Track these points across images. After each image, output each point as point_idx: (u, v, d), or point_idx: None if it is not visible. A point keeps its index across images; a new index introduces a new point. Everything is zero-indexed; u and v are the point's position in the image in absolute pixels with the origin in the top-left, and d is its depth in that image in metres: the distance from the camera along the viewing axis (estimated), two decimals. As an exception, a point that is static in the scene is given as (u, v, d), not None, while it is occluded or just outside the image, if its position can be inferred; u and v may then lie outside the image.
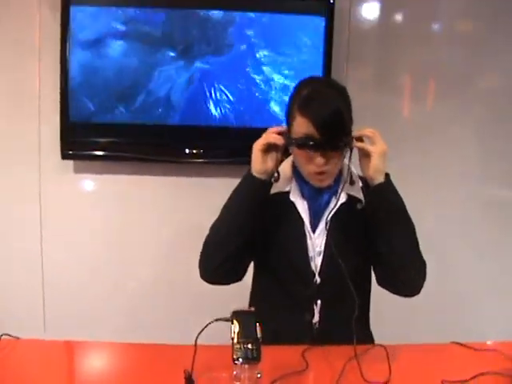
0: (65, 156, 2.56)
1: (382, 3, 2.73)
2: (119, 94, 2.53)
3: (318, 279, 1.60)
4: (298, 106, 1.51)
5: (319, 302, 1.60)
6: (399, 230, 1.56)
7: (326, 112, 1.48)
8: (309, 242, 1.61)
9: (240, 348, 1.16)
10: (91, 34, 2.48)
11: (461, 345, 1.58)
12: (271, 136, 1.54)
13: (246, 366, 1.16)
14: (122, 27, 2.49)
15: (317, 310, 1.60)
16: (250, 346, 1.17)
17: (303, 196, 1.62)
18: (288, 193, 1.63)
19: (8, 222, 2.67)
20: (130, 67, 2.51)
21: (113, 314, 2.70)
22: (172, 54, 2.51)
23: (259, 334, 1.19)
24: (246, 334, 1.18)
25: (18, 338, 1.53)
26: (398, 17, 2.75)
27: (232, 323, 1.20)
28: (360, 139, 1.54)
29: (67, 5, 2.45)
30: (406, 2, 2.74)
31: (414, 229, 1.59)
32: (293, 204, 1.62)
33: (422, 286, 1.60)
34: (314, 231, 1.61)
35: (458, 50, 2.75)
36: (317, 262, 1.60)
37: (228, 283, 1.62)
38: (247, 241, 1.57)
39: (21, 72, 2.59)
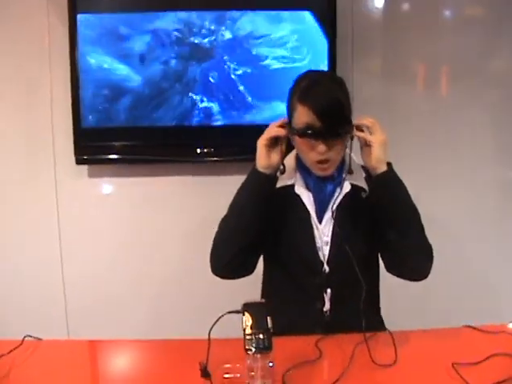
0: (79, 161, 2.61)
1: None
2: (130, 98, 2.57)
3: (326, 268, 1.62)
4: (298, 96, 1.54)
5: (329, 290, 1.63)
6: (404, 217, 1.58)
7: (326, 99, 1.51)
8: (316, 232, 1.64)
9: (252, 338, 1.20)
10: (99, 39, 2.53)
11: (473, 328, 1.60)
12: (273, 129, 1.58)
13: (259, 355, 1.19)
14: (129, 31, 2.53)
15: (327, 298, 1.63)
16: (261, 336, 1.20)
17: (308, 188, 1.65)
18: (293, 186, 1.65)
19: (27, 228, 2.73)
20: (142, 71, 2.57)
21: (131, 312, 2.75)
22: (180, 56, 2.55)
23: (270, 325, 1.22)
24: (257, 325, 1.21)
25: (40, 339, 1.58)
26: (404, 5, 2.74)
27: (243, 315, 1.24)
28: (360, 129, 1.56)
29: (74, 12, 2.49)
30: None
31: (419, 215, 1.61)
32: (298, 196, 1.65)
33: (430, 270, 1.63)
34: (320, 222, 1.64)
35: (468, 36, 2.73)
36: (324, 252, 1.63)
37: (238, 277, 1.66)
38: (255, 236, 1.60)
39: (32, 80, 2.64)
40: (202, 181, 2.72)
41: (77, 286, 2.77)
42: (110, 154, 2.61)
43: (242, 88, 2.58)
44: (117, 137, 2.61)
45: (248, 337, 1.20)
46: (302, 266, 1.65)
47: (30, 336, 1.57)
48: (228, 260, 1.61)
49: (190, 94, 2.57)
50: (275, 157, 1.58)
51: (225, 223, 1.64)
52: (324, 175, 1.61)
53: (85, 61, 2.53)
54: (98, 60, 2.53)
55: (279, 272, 1.71)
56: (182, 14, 2.52)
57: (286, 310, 1.61)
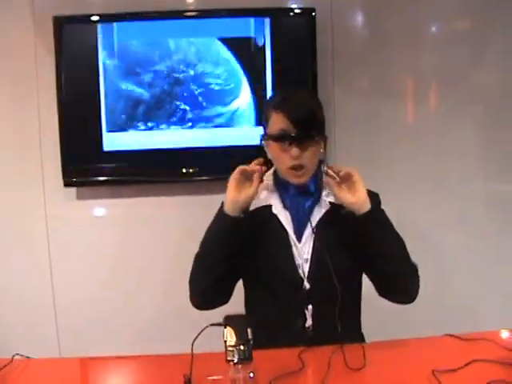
0: (67, 183, 2.65)
1: (364, 10, 2.79)
2: (115, 121, 2.63)
3: (307, 285, 1.64)
4: (273, 105, 1.62)
5: (310, 306, 1.64)
6: (390, 249, 1.63)
7: (299, 106, 1.61)
8: (294, 251, 1.67)
9: (233, 350, 1.23)
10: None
11: (454, 336, 1.62)
12: (246, 167, 1.63)
13: (240, 366, 1.22)
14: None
15: (308, 314, 1.64)
16: (242, 347, 1.23)
17: (285, 207, 1.69)
18: (270, 206, 1.69)
19: (17, 248, 2.77)
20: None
21: (121, 329, 2.77)
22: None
23: (250, 336, 1.25)
24: (238, 337, 1.24)
25: (29, 358, 1.59)
26: (385, 19, 2.79)
27: (225, 327, 1.27)
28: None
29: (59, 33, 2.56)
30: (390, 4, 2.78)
31: (404, 243, 1.66)
32: (275, 216, 1.68)
33: (418, 291, 1.68)
34: (299, 240, 1.67)
35: (451, 50, 2.78)
36: (304, 269, 1.65)
37: (215, 307, 1.68)
38: (228, 267, 1.64)
39: (20, 101, 2.69)
40: (190, 200, 2.76)
41: (67, 306, 2.79)
42: (96, 177, 2.66)
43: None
44: (104, 160, 2.66)
45: (230, 348, 1.23)
46: (282, 285, 1.66)
47: (20, 354, 1.58)
48: (205, 289, 1.65)
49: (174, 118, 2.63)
50: (247, 191, 1.61)
51: (198, 258, 1.67)
52: (299, 183, 1.64)
53: (67, 84, 2.59)
54: (81, 82, 2.61)
55: (260, 292, 1.72)
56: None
57: (268, 328, 1.63)
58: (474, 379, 1.36)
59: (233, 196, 1.60)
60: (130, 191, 2.73)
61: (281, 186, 1.70)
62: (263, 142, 1.66)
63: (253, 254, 1.67)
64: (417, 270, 1.68)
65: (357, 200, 1.60)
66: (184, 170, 2.65)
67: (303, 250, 1.66)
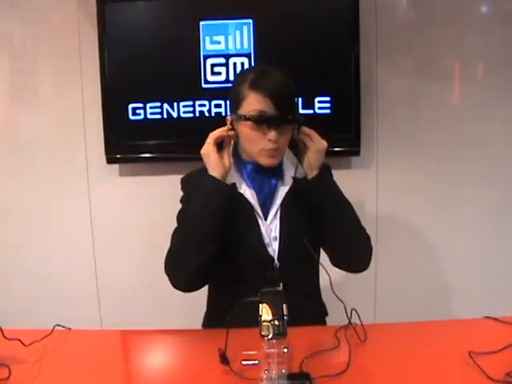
0: (110, 160, 2.69)
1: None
2: (159, 94, 2.65)
3: (277, 263, 1.64)
4: (249, 84, 1.55)
5: (281, 284, 1.59)
6: (339, 215, 1.64)
7: (279, 86, 1.55)
8: (262, 228, 1.65)
9: (267, 325, 1.23)
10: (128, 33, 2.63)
11: (493, 319, 1.60)
12: (219, 133, 1.61)
13: (274, 341, 1.23)
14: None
15: None
16: (276, 322, 1.23)
17: (249, 186, 1.66)
18: (234, 184, 1.65)
19: (60, 224, 2.84)
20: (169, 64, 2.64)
21: (162, 304, 2.80)
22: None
23: (285, 312, 1.25)
24: (273, 312, 1.25)
25: (69, 329, 1.65)
26: (429, 1, 2.72)
27: (260, 302, 1.27)
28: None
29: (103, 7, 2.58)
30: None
31: (353, 209, 1.66)
32: (241, 195, 1.65)
33: (369, 261, 1.68)
34: (265, 218, 1.66)
35: (499, 30, 2.70)
36: (274, 247, 1.65)
37: (200, 288, 1.66)
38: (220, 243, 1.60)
39: (64, 84, 2.74)
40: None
41: (109, 281, 2.87)
42: (139, 153, 2.69)
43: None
44: (146, 135, 2.68)
45: (264, 323, 1.24)
46: (251, 264, 1.65)
47: (60, 325, 1.64)
48: (196, 271, 1.59)
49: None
50: (227, 161, 1.60)
51: (189, 233, 1.61)
52: (271, 165, 1.60)
53: (113, 59, 2.62)
54: (127, 57, 2.64)
55: (227, 272, 1.68)
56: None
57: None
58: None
59: (220, 163, 1.58)
60: (172, 168, 2.73)
61: (241, 164, 1.67)
62: (234, 122, 1.61)
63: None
64: (369, 241, 1.68)
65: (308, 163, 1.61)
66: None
67: (270, 228, 1.65)
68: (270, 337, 1.22)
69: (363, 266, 1.69)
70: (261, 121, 1.53)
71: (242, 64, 2.59)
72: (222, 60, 2.60)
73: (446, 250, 2.78)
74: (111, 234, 2.83)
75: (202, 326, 1.85)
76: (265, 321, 1.24)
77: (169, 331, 1.70)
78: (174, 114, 2.64)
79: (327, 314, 1.71)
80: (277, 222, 1.65)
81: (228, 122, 1.63)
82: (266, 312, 1.26)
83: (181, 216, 1.70)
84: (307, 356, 1.38)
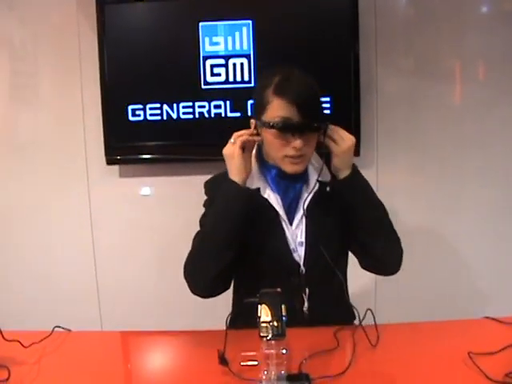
0: (109, 162, 2.70)
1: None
2: (159, 95, 2.65)
3: (303, 269, 1.61)
4: (274, 90, 1.50)
5: (307, 289, 1.61)
6: (371, 218, 1.60)
7: (305, 92, 1.50)
8: (288, 234, 1.62)
9: (266, 326, 1.23)
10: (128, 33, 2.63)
11: (493, 319, 1.60)
12: (245, 136, 1.56)
13: (273, 342, 1.23)
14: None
15: (306, 297, 1.61)
16: (275, 323, 1.23)
17: (273, 190, 1.63)
18: (258, 189, 1.62)
19: (60, 225, 2.85)
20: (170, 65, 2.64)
21: (160, 305, 2.83)
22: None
23: (284, 313, 1.25)
24: (271, 313, 1.25)
25: (69, 330, 1.64)
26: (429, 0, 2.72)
27: (259, 303, 1.27)
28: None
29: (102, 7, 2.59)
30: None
31: (386, 212, 1.63)
32: (266, 200, 1.62)
33: (400, 263, 1.64)
34: (290, 223, 1.63)
35: (499, 30, 2.69)
36: (300, 253, 1.62)
37: (219, 294, 1.62)
38: (239, 248, 1.57)
39: (64, 85, 2.76)
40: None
41: (109, 282, 2.87)
42: (139, 154, 2.69)
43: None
44: (146, 137, 2.69)
45: (263, 324, 1.24)
46: (277, 270, 1.61)
47: (60, 327, 1.63)
48: (215, 277, 1.56)
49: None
50: (249, 165, 1.58)
51: (210, 239, 1.58)
52: (295, 172, 1.57)
53: (112, 61, 2.63)
54: (126, 58, 2.65)
55: (253, 274, 1.64)
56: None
57: None
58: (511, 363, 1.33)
59: (243, 167, 1.55)
60: (171, 169, 2.75)
61: (266, 168, 1.64)
62: (258, 126, 1.56)
63: (247, 236, 1.59)
64: (399, 243, 1.64)
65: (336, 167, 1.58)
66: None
67: (295, 234, 1.62)
68: (268, 338, 1.23)
69: (394, 268, 1.65)
70: (285, 128, 1.49)
71: (242, 65, 2.60)
72: (221, 61, 2.60)
73: (446, 250, 2.78)
74: (111, 234, 2.84)
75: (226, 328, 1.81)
76: (264, 322, 1.24)
77: (168, 332, 1.71)
78: (174, 115, 2.65)
79: (355, 318, 1.63)
80: (302, 227, 1.62)
81: (252, 126, 1.59)
82: (264, 313, 1.26)
83: (203, 220, 1.68)
84: (307, 357, 1.37)
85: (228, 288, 1.65)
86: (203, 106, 2.64)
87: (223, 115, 2.65)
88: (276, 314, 1.25)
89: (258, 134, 1.57)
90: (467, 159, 2.76)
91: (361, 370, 1.36)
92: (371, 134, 2.69)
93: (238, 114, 2.65)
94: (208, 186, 1.72)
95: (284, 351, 1.23)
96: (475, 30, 2.71)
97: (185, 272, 1.62)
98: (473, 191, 2.78)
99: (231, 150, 1.55)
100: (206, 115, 2.65)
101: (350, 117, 2.59)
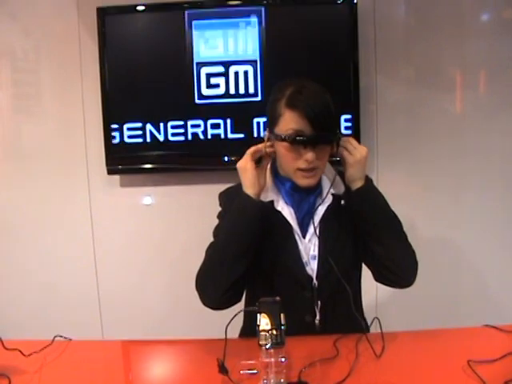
0: (110, 171, 2.71)
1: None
2: (159, 110, 2.65)
3: (316, 283, 1.60)
4: (286, 102, 1.50)
5: (319, 302, 1.60)
6: (385, 230, 1.58)
7: (317, 104, 1.48)
8: (300, 247, 1.61)
9: (265, 334, 1.24)
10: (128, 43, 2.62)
11: (493, 327, 1.60)
12: (258, 149, 1.57)
13: (272, 350, 1.23)
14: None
15: (317, 310, 1.60)
16: (274, 332, 1.24)
17: (287, 203, 1.63)
18: (272, 202, 1.62)
19: (61, 234, 2.85)
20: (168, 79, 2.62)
21: (163, 316, 2.83)
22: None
23: (283, 321, 1.26)
24: (271, 322, 1.25)
25: (70, 339, 1.65)
26: (426, 8, 2.71)
27: (258, 312, 1.28)
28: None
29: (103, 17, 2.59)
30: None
31: (400, 224, 1.62)
32: (279, 213, 1.61)
33: (415, 276, 1.63)
34: (303, 236, 1.62)
35: (499, 38, 2.70)
36: (313, 267, 1.60)
37: (230, 306, 1.59)
38: (251, 262, 1.56)
39: (65, 95, 2.77)
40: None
41: (111, 293, 2.87)
42: (139, 164, 2.69)
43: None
44: (147, 148, 2.68)
45: (262, 333, 1.24)
46: (290, 283, 1.61)
47: (61, 336, 1.64)
48: (226, 290, 1.54)
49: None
50: (262, 179, 1.58)
51: (221, 252, 1.57)
52: (308, 185, 1.56)
53: (113, 72, 2.64)
54: (126, 69, 2.65)
55: (264, 287, 1.64)
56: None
57: None
58: (511, 371, 1.33)
59: (257, 181, 1.55)
60: (172, 179, 2.76)
61: (280, 181, 1.64)
62: (270, 138, 1.57)
63: (259, 250, 1.58)
64: (415, 256, 1.63)
65: (349, 178, 1.57)
66: (226, 159, 2.65)
67: (308, 247, 1.62)
68: (267, 346, 1.23)
69: (408, 280, 1.62)
70: (297, 141, 1.48)
71: (246, 73, 2.54)
72: (220, 69, 2.58)
73: (446, 259, 2.78)
74: (112, 243, 2.84)
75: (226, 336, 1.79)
76: (263, 330, 1.25)
77: (168, 341, 1.71)
78: (161, 138, 2.61)
79: (368, 331, 1.64)
80: (315, 241, 1.60)
81: (265, 139, 1.59)
82: (264, 322, 1.26)
83: (216, 232, 1.67)
84: (306, 365, 1.38)
85: (239, 301, 1.63)
86: (197, 126, 2.59)
87: (222, 137, 2.58)
88: (275, 323, 1.25)
89: (271, 146, 1.57)
90: (467, 168, 2.76)
91: (360, 379, 1.36)
92: (371, 142, 2.69)
93: (240, 135, 2.58)
94: (222, 198, 1.72)
95: (283, 359, 1.23)
96: (475, 39, 2.71)
97: (196, 283, 1.61)
98: (473, 199, 2.78)
99: (244, 163, 1.56)
100: (201, 136, 2.59)
101: (349, 126, 2.60)
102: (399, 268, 1.60)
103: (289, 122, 1.50)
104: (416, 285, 1.64)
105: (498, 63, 2.71)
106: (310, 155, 1.49)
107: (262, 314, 1.28)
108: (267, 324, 1.25)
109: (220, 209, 1.72)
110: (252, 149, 1.57)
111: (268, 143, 1.57)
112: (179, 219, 2.81)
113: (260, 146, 1.58)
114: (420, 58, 2.73)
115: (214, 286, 1.56)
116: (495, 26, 2.73)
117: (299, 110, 1.48)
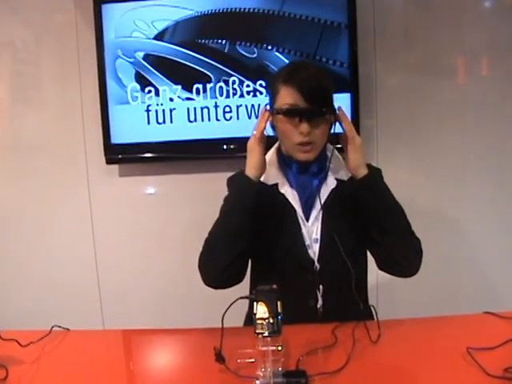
0: (109, 161, 2.70)
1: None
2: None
3: (317, 266, 1.61)
4: (282, 79, 1.55)
5: (321, 287, 1.61)
6: (389, 218, 1.59)
7: (310, 79, 1.54)
8: (303, 230, 1.63)
9: (262, 323, 1.23)
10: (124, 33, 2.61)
11: (492, 314, 1.59)
12: (261, 124, 1.59)
13: (269, 339, 1.22)
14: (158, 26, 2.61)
15: (320, 295, 1.61)
16: (271, 320, 1.23)
17: (292, 186, 1.65)
18: (276, 185, 1.65)
19: (61, 227, 2.85)
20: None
21: (161, 303, 2.84)
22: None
23: (280, 309, 1.25)
24: (267, 310, 1.24)
25: (67, 330, 1.65)
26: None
27: (255, 300, 1.27)
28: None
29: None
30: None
31: (404, 213, 1.62)
32: (282, 195, 1.64)
33: (419, 266, 1.63)
34: (307, 219, 1.64)
35: (500, 25, 2.66)
36: (315, 250, 1.62)
37: (231, 286, 1.61)
38: (249, 240, 1.59)
39: (63, 85, 2.76)
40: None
41: (110, 281, 2.87)
42: (139, 153, 2.68)
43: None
44: (145, 137, 2.68)
45: (259, 321, 1.24)
46: (292, 265, 1.63)
47: (59, 326, 1.63)
48: (225, 267, 1.57)
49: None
50: (264, 160, 1.61)
51: (220, 229, 1.61)
52: (306, 159, 1.58)
53: (111, 61, 2.63)
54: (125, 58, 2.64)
55: (267, 270, 1.67)
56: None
57: None
58: (510, 358, 1.31)
59: (261, 165, 1.59)
60: (170, 168, 2.75)
61: (285, 164, 1.66)
62: (271, 116, 1.60)
63: (261, 231, 1.61)
64: (419, 245, 1.63)
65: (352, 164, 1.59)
66: (225, 147, 2.64)
67: (311, 230, 1.63)
68: (264, 334, 1.22)
69: (411, 270, 1.63)
70: (291, 114, 1.53)
71: None
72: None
73: (448, 246, 2.76)
74: (112, 233, 2.84)
75: (244, 325, 1.78)
76: (259, 319, 1.24)
77: (164, 330, 1.71)
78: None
79: (372, 318, 1.62)
80: (318, 224, 1.62)
81: (261, 115, 1.62)
82: (260, 310, 1.25)
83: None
84: (304, 354, 1.37)
85: (241, 281, 1.64)
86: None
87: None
88: (272, 311, 1.24)
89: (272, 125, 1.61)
90: (468, 155, 2.74)
91: (359, 366, 1.35)
92: (371, 129, 2.68)
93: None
94: (229, 182, 1.74)
95: (280, 348, 1.22)
96: (475, 25, 2.68)
97: (199, 261, 1.64)
98: (474, 185, 2.75)
99: (253, 144, 1.59)
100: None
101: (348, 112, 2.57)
102: (402, 258, 1.60)
103: (284, 97, 1.54)
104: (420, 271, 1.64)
105: (498, 49, 2.68)
106: (304, 127, 1.51)
107: (259, 302, 1.27)
108: (264, 312, 1.24)
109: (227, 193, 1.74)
110: (258, 129, 1.60)
111: (267, 122, 1.60)
112: (179, 208, 2.80)
113: (261, 124, 1.60)
114: (420, 43, 2.69)
115: (213, 263, 1.59)
116: (495, 12, 2.70)
117: (294, 85, 1.52)
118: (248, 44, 2.56)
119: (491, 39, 2.67)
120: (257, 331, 1.23)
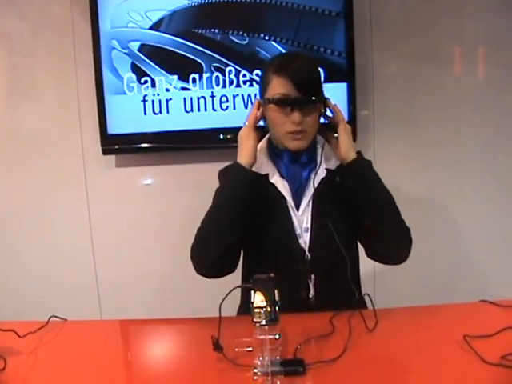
0: (106, 152, 2.69)
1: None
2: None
3: (308, 255, 1.62)
4: (274, 69, 1.56)
5: (313, 276, 1.61)
6: (378, 203, 1.60)
7: (302, 70, 1.56)
8: (294, 219, 1.63)
9: (259, 311, 1.23)
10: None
11: (489, 302, 1.59)
12: (254, 115, 1.61)
13: (266, 327, 1.23)
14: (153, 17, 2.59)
15: (311, 284, 1.61)
16: (268, 309, 1.23)
17: (282, 176, 1.65)
18: (267, 175, 1.65)
19: (58, 218, 2.84)
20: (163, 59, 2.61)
21: (158, 294, 2.84)
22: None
23: (277, 298, 1.25)
24: (265, 299, 1.25)
25: (65, 320, 1.65)
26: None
27: (252, 289, 1.27)
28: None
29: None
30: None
31: (393, 199, 1.62)
32: (273, 185, 1.64)
33: (409, 253, 1.63)
34: (297, 208, 1.64)
35: (498, 14, 2.66)
36: (305, 239, 1.62)
37: (224, 275, 1.62)
38: (241, 230, 1.59)
39: (59, 77, 2.74)
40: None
41: (108, 272, 2.87)
42: (135, 144, 2.67)
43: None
44: (141, 127, 2.66)
45: (256, 310, 1.24)
46: (283, 255, 1.63)
47: (56, 316, 1.63)
48: (217, 256, 1.57)
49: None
50: (256, 149, 1.62)
51: (213, 219, 1.61)
52: (297, 148, 1.59)
53: (107, 54, 2.62)
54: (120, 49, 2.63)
55: (259, 260, 1.67)
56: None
57: None
58: (507, 346, 1.32)
59: (253, 154, 1.60)
60: (167, 158, 2.75)
61: (275, 155, 1.67)
62: (262, 106, 1.62)
63: (253, 223, 1.62)
64: (408, 233, 1.63)
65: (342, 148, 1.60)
66: (221, 136, 2.63)
67: (302, 219, 1.63)
68: (262, 323, 1.23)
69: (400, 257, 1.63)
70: (283, 103, 1.54)
71: None
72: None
73: (444, 234, 2.77)
74: (109, 224, 2.83)
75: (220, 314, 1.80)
76: (257, 307, 1.24)
77: (162, 320, 1.71)
78: None
79: (366, 307, 1.61)
80: (308, 213, 1.63)
81: (255, 106, 1.63)
82: (258, 298, 1.25)
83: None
84: (302, 342, 1.38)
85: (233, 270, 1.64)
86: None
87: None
88: (269, 300, 1.24)
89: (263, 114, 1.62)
90: (465, 145, 2.75)
91: (356, 355, 1.35)
92: (367, 120, 2.68)
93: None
94: (220, 175, 1.73)
95: (277, 336, 1.23)
96: (473, 14, 2.68)
97: (191, 251, 1.64)
98: (472, 177, 2.76)
99: (246, 132, 1.61)
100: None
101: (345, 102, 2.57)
102: (391, 245, 1.61)
103: (276, 87, 1.55)
104: (415, 260, 1.64)
105: (496, 39, 2.68)
106: (296, 116, 1.52)
107: (256, 291, 1.27)
108: (261, 301, 1.24)
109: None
110: (251, 118, 1.61)
111: (259, 112, 1.62)
112: (176, 198, 2.80)
113: (253, 113, 1.62)
114: (417, 33, 2.70)
115: (205, 252, 1.60)
116: (492, 2, 2.69)
117: (285, 75, 1.53)
118: (244, 33, 2.56)
119: (489, 29, 2.67)
120: (254, 320, 1.23)
